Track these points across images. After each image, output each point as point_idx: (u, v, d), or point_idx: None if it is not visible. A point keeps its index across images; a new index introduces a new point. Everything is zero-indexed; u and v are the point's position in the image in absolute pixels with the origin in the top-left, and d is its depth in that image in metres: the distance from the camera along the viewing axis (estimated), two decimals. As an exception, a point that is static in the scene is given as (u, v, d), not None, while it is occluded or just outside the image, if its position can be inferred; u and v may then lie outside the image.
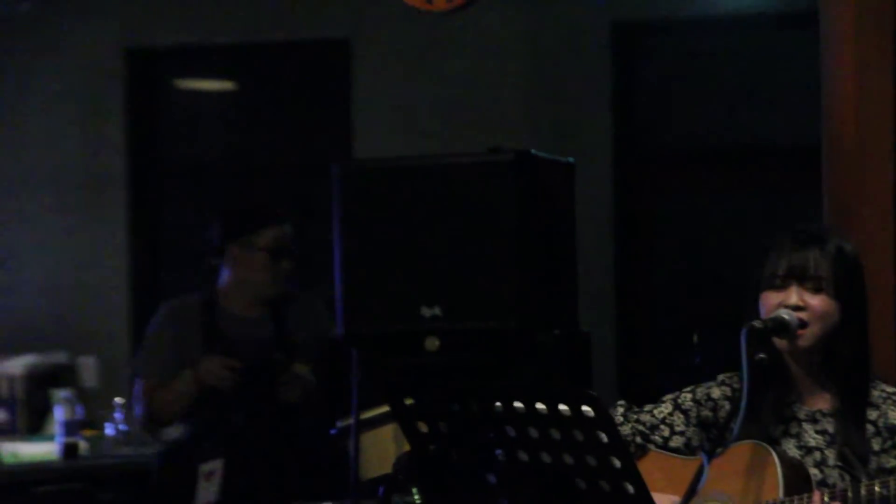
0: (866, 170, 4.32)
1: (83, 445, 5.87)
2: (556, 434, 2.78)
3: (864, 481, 3.15)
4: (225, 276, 5.21)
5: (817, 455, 3.30)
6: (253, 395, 4.96)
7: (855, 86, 4.38)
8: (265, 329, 5.11)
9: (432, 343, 3.64)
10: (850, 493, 3.11)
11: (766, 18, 6.80)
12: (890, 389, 3.35)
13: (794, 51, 6.66)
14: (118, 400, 6.33)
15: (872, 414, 3.31)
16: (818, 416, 3.34)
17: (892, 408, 3.30)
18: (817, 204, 4.53)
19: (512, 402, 2.81)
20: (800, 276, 3.29)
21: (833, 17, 4.48)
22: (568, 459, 2.79)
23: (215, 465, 4.86)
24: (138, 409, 5.12)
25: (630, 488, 2.76)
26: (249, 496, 4.89)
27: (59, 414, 5.86)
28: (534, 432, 2.81)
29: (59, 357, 7.23)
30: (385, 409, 3.68)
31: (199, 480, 4.86)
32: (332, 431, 4.17)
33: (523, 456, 2.85)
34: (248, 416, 4.97)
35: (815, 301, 3.28)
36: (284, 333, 5.11)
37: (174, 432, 5.35)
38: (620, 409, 3.46)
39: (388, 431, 3.79)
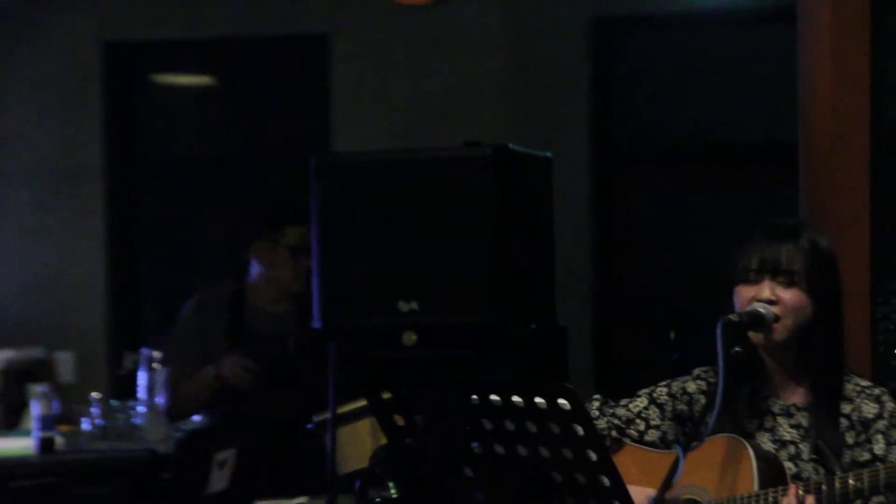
0: (842, 165, 4.33)
1: (59, 440, 5.84)
2: (532, 427, 2.79)
3: (839, 474, 3.16)
4: (253, 271, 5.33)
5: (792, 449, 3.31)
6: (269, 391, 5.03)
7: (832, 81, 4.39)
8: (289, 324, 5.19)
9: (409, 337, 3.64)
10: (824, 487, 3.12)
11: (743, 14, 6.81)
12: (864, 383, 3.36)
13: (772, 46, 6.68)
14: (95, 395, 6.31)
15: (846, 407, 3.32)
16: (793, 410, 3.35)
17: (866, 401, 3.32)
18: (794, 199, 4.54)
19: (488, 396, 2.81)
20: (772, 270, 3.30)
21: (810, 13, 4.49)
22: (544, 452, 2.79)
23: (228, 455, 4.96)
24: (163, 397, 5.26)
25: (606, 481, 2.77)
26: (258, 486, 4.93)
27: (36, 409, 5.83)
28: (510, 425, 2.81)
29: (36, 352, 7.20)
30: (362, 403, 3.68)
31: (212, 468, 4.93)
32: (309, 426, 4.17)
33: (499, 449, 2.85)
34: (264, 409, 5.03)
35: (788, 295, 3.29)
36: (308, 329, 5.19)
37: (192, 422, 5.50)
38: (596, 403, 3.47)
39: (366, 426, 3.78)
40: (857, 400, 3.32)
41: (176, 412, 5.39)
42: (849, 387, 3.34)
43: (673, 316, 6.60)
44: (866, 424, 3.29)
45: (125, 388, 6.69)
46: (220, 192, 7.55)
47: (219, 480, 4.98)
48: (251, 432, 5.07)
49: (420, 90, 7.05)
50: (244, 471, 5.04)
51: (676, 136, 7.08)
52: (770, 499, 3.14)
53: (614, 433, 3.39)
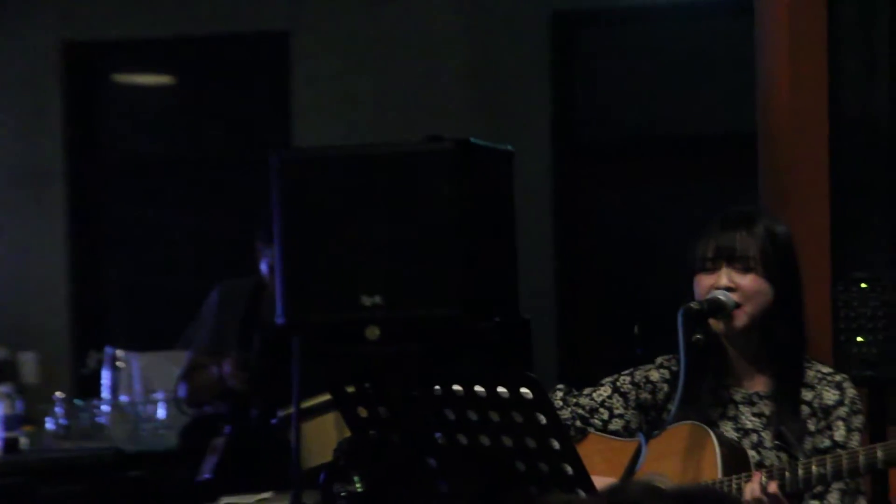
0: (801, 155, 4.36)
1: (23, 440, 5.83)
2: (495, 416, 2.79)
3: (802, 460, 3.18)
4: (263, 267, 5.37)
5: (754, 437, 3.33)
6: (268, 387, 5.05)
7: (789, 72, 4.42)
8: None
9: (372, 332, 3.64)
10: (787, 473, 3.14)
11: (702, 7, 6.84)
12: (825, 370, 3.38)
13: (731, 39, 6.71)
14: (58, 394, 6.30)
15: (808, 395, 3.34)
16: (755, 399, 3.37)
17: (827, 388, 3.34)
18: (755, 190, 4.57)
19: (451, 385, 2.82)
20: (728, 257, 3.32)
21: (768, 5, 4.52)
22: (507, 442, 2.80)
23: (218, 443, 5.02)
24: (180, 386, 5.31)
25: (569, 469, 2.78)
26: (233, 480, 4.95)
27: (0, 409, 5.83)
28: (473, 415, 2.82)
29: (-1, 353, 7.18)
30: (326, 397, 3.68)
31: (207, 453, 5.01)
32: (273, 421, 4.18)
33: (463, 439, 2.86)
34: (263, 404, 5.06)
35: (745, 281, 3.31)
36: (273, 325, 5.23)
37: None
38: (560, 393, 3.48)
39: (330, 420, 3.79)
40: (819, 387, 3.34)
41: (192, 401, 5.43)
42: (810, 374, 3.36)
43: (637, 309, 6.63)
44: (827, 411, 3.31)
45: (89, 388, 6.69)
46: (182, 190, 7.54)
47: (207, 466, 5.02)
48: (239, 424, 5.10)
49: (382, 86, 7.05)
50: (225, 463, 5.06)
51: (637, 128, 7.11)
52: (734, 485, 3.16)
53: (578, 423, 3.40)
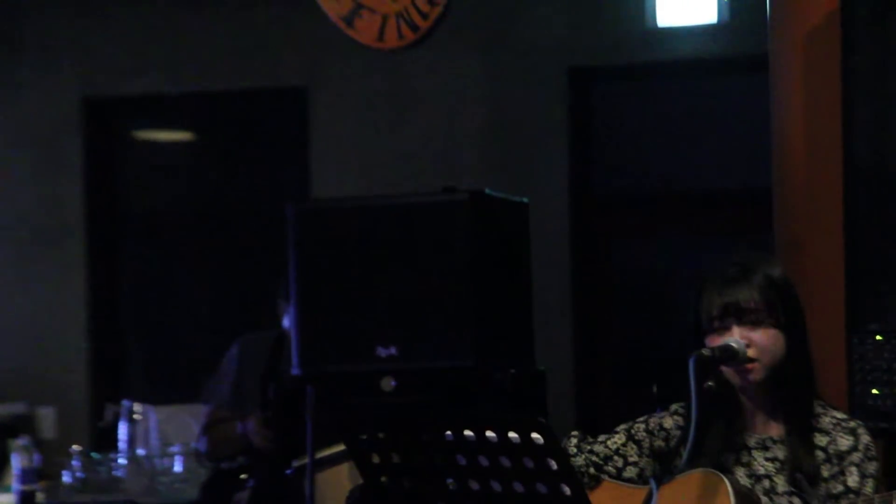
0: (816, 208, 4.37)
1: (40, 494, 5.83)
2: (506, 462, 2.79)
3: (817, 506, 3.18)
4: (285, 322, 5.36)
5: (766, 483, 3.33)
6: (283, 438, 5.06)
7: (804, 127, 4.44)
8: None
9: (387, 383, 3.66)
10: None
11: (718, 63, 6.87)
12: (840, 416, 3.38)
13: (746, 94, 6.73)
14: (75, 447, 6.30)
15: (823, 440, 3.34)
16: (768, 443, 3.36)
17: (842, 434, 3.33)
18: (770, 243, 4.58)
19: (462, 431, 2.82)
20: (736, 314, 3.31)
21: (782, 61, 4.55)
22: (518, 488, 2.80)
23: (242, 497, 5.02)
24: (200, 440, 5.33)
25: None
26: None
27: (16, 462, 5.83)
28: (484, 461, 2.82)
29: (18, 408, 7.19)
30: (340, 447, 3.68)
31: None
32: (288, 471, 4.18)
33: (474, 484, 2.86)
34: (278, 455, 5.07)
35: (758, 336, 3.31)
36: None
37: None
38: (574, 440, 3.47)
39: (344, 470, 3.79)
40: (834, 433, 3.34)
41: (213, 455, 5.42)
42: (825, 419, 3.36)
43: (653, 362, 6.62)
44: (841, 457, 3.31)
45: (106, 441, 6.69)
46: (201, 245, 7.56)
47: None
48: (265, 475, 5.09)
49: (399, 141, 7.09)
50: None
51: (653, 182, 7.12)
52: None
53: (592, 470, 3.39)
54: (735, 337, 3.28)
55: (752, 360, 3.28)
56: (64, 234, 7.43)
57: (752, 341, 3.29)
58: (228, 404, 5.26)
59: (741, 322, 3.30)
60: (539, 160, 6.98)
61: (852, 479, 3.28)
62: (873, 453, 3.32)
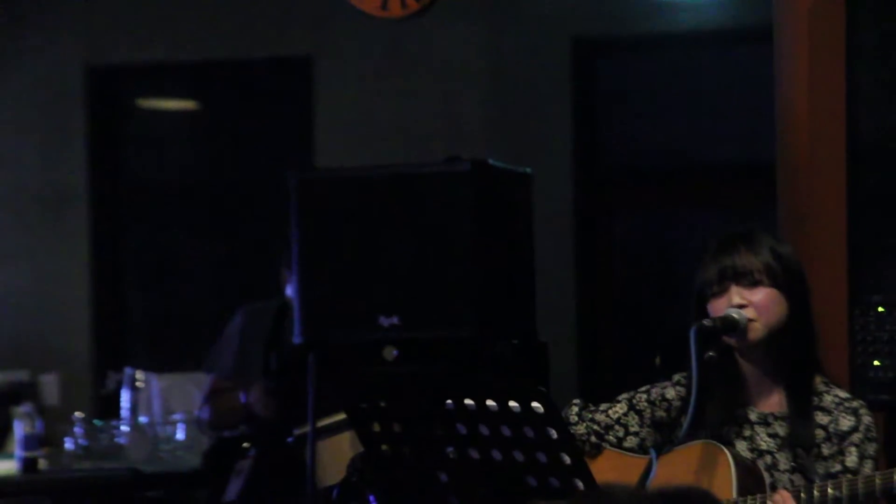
0: (819, 182, 4.36)
1: (42, 461, 5.85)
2: (506, 431, 2.80)
3: (817, 482, 3.18)
4: (288, 290, 5.36)
5: (768, 458, 3.33)
6: (285, 406, 5.07)
7: (808, 100, 4.43)
8: None
9: (389, 352, 3.66)
10: (803, 494, 3.14)
11: (722, 34, 6.86)
12: (843, 395, 3.38)
13: (750, 66, 6.72)
14: (78, 415, 6.31)
15: (824, 419, 3.34)
16: (770, 419, 3.37)
17: (843, 414, 3.33)
18: (773, 217, 4.57)
19: (463, 400, 2.83)
20: (733, 276, 3.33)
21: (787, 34, 4.53)
22: (518, 456, 2.81)
23: (244, 465, 5.01)
24: (203, 409, 5.32)
25: (580, 485, 2.78)
26: (266, 499, 4.97)
27: (19, 429, 5.84)
28: (485, 429, 2.83)
29: (21, 375, 7.20)
30: (341, 416, 3.69)
31: (232, 476, 5.01)
32: (289, 440, 4.19)
33: (474, 454, 2.86)
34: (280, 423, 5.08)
35: (756, 295, 3.32)
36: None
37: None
38: (576, 409, 3.47)
39: (345, 439, 3.80)
40: (836, 412, 3.34)
41: (215, 424, 5.43)
42: (828, 398, 3.36)
43: (657, 334, 6.63)
44: (841, 437, 3.31)
45: (109, 408, 6.71)
46: (204, 214, 7.57)
47: (233, 490, 5.03)
48: (267, 444, 5.11)
49: (403, 110, 7.08)
50: (251, 485, 5.07)
51: (657, 153, 7.12)
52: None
53: (593, 438, 3.40)
54: (734, 298, 3.30)
55: (750, 320, 3.28)
56: (67, 202, 7.44)
57: (750, 301, 3.30)
58: (231, 373, 5.27)
59: (738, 283, 3.31)
60: (543, 131, 6.98)
61: (851, 460, 3.28)
62: (873, 434, 3.33)
